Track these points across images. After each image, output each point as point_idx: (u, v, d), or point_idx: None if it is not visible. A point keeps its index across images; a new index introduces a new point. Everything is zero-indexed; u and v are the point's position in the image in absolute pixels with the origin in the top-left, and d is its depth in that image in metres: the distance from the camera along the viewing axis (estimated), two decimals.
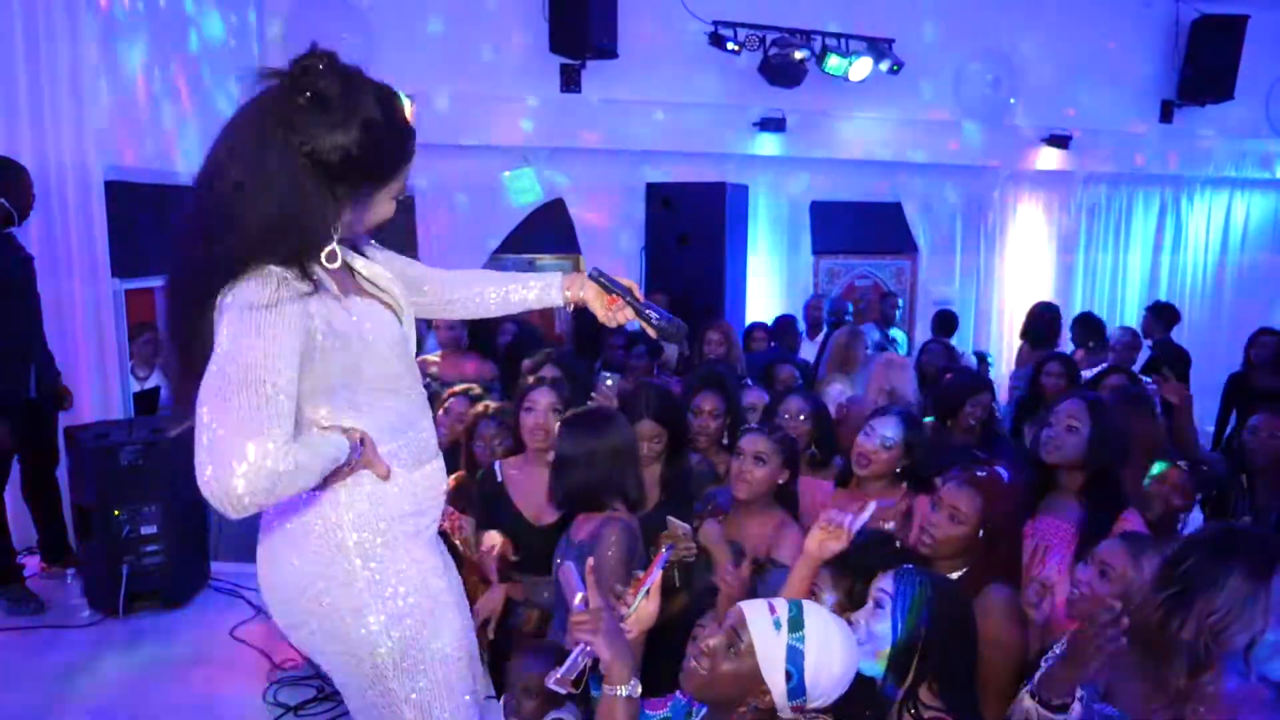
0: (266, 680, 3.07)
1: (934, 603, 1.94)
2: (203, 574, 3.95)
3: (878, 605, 1.96)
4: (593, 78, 6.76)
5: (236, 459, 1.26)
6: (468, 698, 1.73)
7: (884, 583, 1.98)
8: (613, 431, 2.69)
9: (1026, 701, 1.93)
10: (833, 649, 1.75)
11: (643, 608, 1.95)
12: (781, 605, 1.79)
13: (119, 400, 4.54)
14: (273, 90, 1.45)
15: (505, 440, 3.31)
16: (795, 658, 1.71)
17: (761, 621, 1.76)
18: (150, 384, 5.23)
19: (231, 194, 1.42)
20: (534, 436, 3.06)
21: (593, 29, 6.39)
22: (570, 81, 6.75)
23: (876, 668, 1.91)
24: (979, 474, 2.66)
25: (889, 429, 3.02)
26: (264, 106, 1.45)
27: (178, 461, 3.81)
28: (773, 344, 6.21)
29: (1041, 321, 5.86)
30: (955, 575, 2.51)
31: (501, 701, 2.54)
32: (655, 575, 1.97)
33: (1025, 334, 5.95)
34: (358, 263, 1.68)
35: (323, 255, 1.51)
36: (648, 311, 1.85)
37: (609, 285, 1.85)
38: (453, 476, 3.40)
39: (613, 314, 1.89)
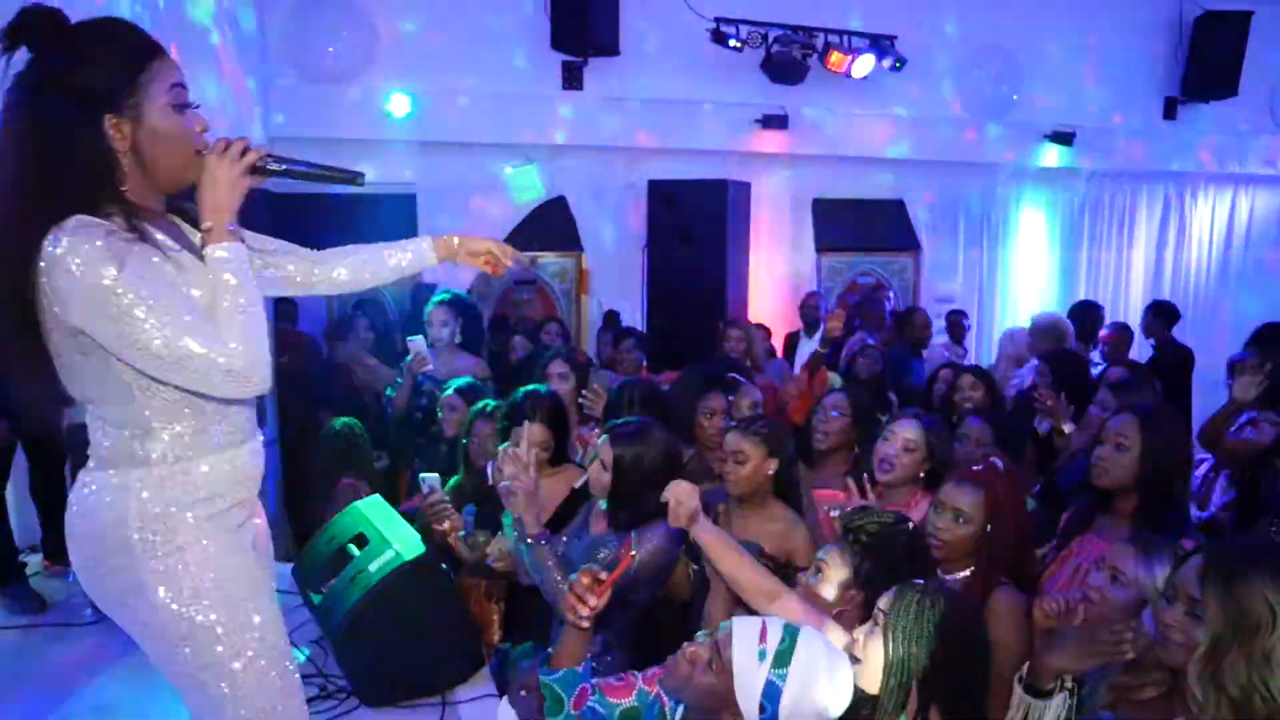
0: None
1: (936, 626, 1.83)
2: None
3: (874, 623, 1.90)
4: (594, 75, 6.74)
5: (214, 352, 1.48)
6: (276, 678, 1.73)
7: (883, 601, 1.91)
8: (662, 446, 2.64)
9: (1016, 689, 1.92)
10: (816, 689, 1.69)
11: (604, 601, 1.93)
12: (775, 634, 1.73)
13: None
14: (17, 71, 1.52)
15: (498, 441, 3.30)
16: (772, 693, 1.67)
17: (746, 646, 1.71)
18: None
19: (14, 163, 1.50)
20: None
21: (594, 26, 6.39)
22: (572, 79, 6.73)
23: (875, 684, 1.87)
24: (976, 468, 2.64)
25: (910, 431, 3.00)
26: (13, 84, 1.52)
27: None
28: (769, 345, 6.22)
29: (1085, 321, 5.96)
30: (963, 575, 2.51)
31: (504, 700, 2.53)
32: (620, 572, 1.96)
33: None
34: (197, 236, 1.69)
35: (115, 179, 1.54)
36: (311, 169, 1.73)
37: (288, 166, 1.67)
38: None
39: (500, 258, 2.07)
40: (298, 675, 1.79)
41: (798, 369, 6.18)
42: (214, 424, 1.66)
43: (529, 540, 2.55)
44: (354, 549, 2.98)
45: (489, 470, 3.15)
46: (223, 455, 1.68)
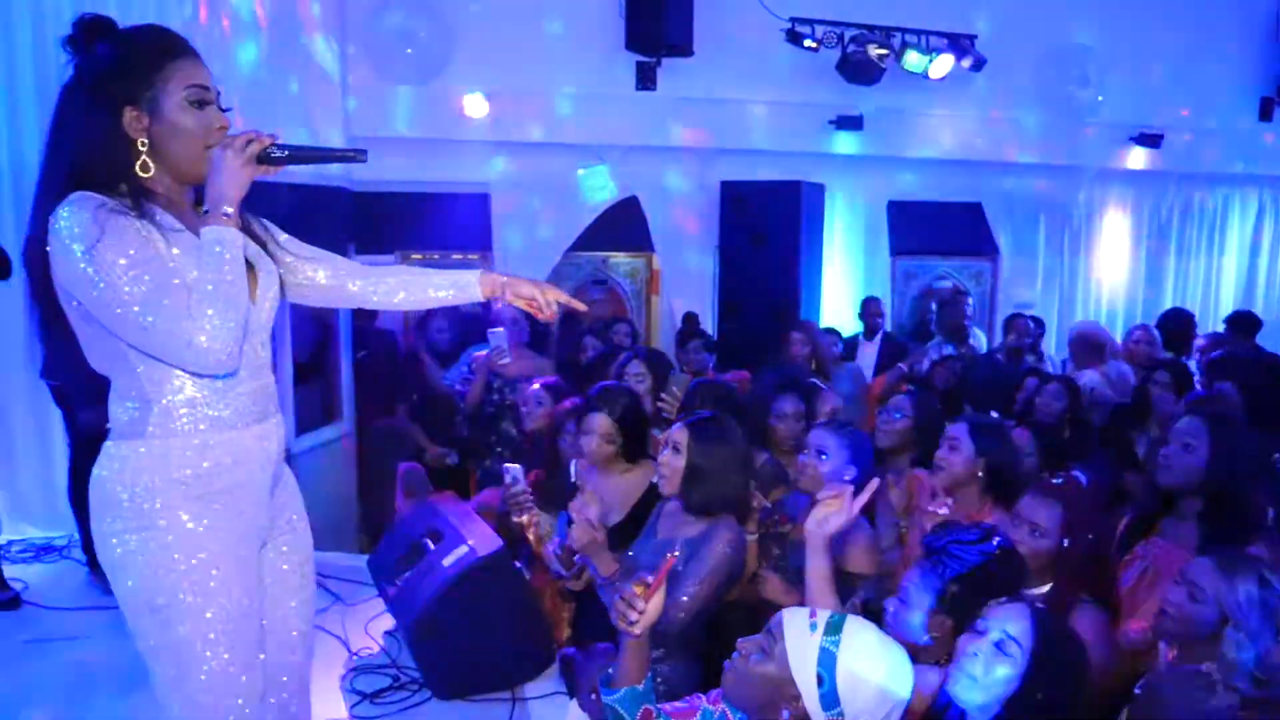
0: (344, 667, 3.12)
1: (1052, 658, 1.79)
2: None
3: (1000, 648, 1.83)
4: (668, 75, 6.73)
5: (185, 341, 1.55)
6: (235, 672, 1.73)
7: (1015, 625, 1.83)
8: (738, 440, 2.62)
9: None
10: (871, 661, 1.68)
11: (653, 606, 1.92)
12: (824, 611, 1.77)
13: None
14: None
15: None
16: (827, 660, 1.67)
17: (798, 622, 1.74)
18: None
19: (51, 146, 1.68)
20: (595, 457, 3.08)
21: (668, 27, 6.38)
22: (645, 79, 6.72)
23: (979, 705, 1.83)
24: (1055, 482, 2.58)
25: (954, 429, 2.95)
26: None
27: None
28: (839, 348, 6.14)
29: (1174, 328, 5.73)
30: (1040, 590, 2.44)
31: (574, 702, 2.54)
32: (664, 576, 1.95)
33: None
34: None
35: (137, 167, 1.66)
36: (316, 153, 1.81)
37: (293, 152, 1.72)
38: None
39: (543, 306, 1.99)
40: (259, 677, 1.80)
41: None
42: (216, 401, 1.71)
43: (602, 582, 2.55)
44: (429, 543, 3.03)
45: (573, 467, 3.17)
46: (222, 435, 1.72)
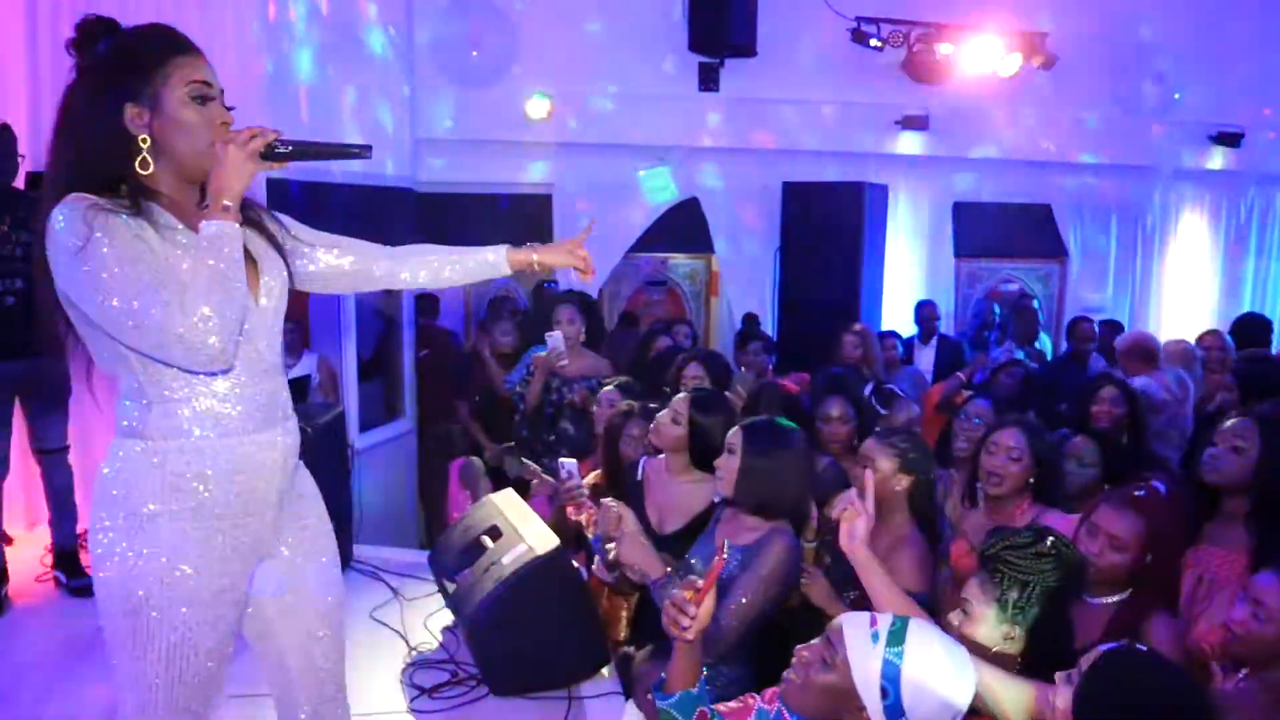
0: (403, 662, 3.16)
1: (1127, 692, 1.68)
2: (344, 556, 4.08)
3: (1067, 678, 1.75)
4: (731, 76, 6.71)
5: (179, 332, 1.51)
6: (195, 682, 1.73)
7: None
8: (795, 445, 2.58)
9: None
10: (936, 670, 1.64)
11: (704, 610, 1.89)
12: (885, 619, 1.72)
13: None
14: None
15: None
16: (891, 673, 1.64)
17: (859, 633, 1.70)
18: (297, 372, 5.45)
19: (55, 146, 1.67)
20: (661, 435, 3.04)
21: (732, 27, 6.37)
22: (708, 80, 6.72)
23: None
24: (1137, 493, 2.50)
25: (1013, 439, 2.88)
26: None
27: (322, 448, 3.97)
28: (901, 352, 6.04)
29: (1250, 333, 5.54)
30: (1113, 599, 2.38)
31: (630, 703, 2.54)
32: (713, 579, 1.91)
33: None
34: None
35: (136, 164, 1.64)
36: (322, 149, 1.77)
37: (296, 148, 1.70)
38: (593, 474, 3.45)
39: (581, 263, 2.01)
40: (209, 691, 1.79)
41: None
42: (218, 405, 1.68)
43: (654, 585, 2.52)
44: (488, 541, 3.05)
45: (641, 465, 3.17)
46: (224, 440, 1.69)
